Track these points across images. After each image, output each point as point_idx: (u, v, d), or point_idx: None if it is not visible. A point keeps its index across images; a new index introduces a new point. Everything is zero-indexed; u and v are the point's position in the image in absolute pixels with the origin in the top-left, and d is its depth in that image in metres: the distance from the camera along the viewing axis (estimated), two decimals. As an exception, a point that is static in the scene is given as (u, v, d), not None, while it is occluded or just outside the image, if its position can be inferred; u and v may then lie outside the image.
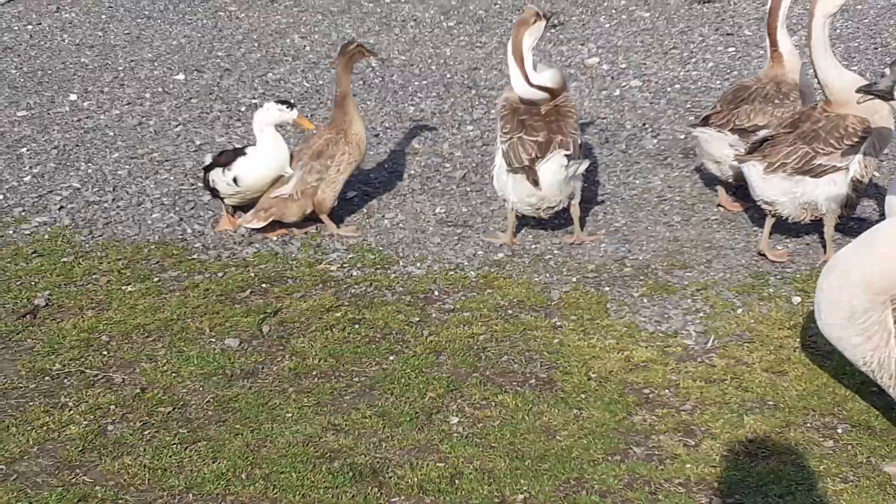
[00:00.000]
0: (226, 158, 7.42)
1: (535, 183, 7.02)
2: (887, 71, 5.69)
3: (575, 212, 7.29)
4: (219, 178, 7.41)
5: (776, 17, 7.39)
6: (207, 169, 7.48)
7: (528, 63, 7.21)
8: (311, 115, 9.22)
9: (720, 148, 7.44)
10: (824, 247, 6.96)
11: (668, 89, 9.44)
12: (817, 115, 6.86)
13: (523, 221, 7.46)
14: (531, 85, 7.20)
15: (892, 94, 5.63)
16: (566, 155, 7.00)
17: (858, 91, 5.90)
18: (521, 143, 7.07)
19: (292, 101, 7.73)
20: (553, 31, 10.84)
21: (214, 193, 7.51)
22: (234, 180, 7.36)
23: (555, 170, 7.04)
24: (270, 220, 7.43)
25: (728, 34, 10.52)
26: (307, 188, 7.40)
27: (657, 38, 10.52)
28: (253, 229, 7.43)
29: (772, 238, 7.11)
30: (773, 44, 7.49)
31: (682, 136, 8.70)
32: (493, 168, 7.31)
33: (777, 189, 6.87)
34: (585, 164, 7.21)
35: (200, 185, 8.08)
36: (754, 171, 6.90)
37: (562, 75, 7.41)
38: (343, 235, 7.49)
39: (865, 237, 5.15)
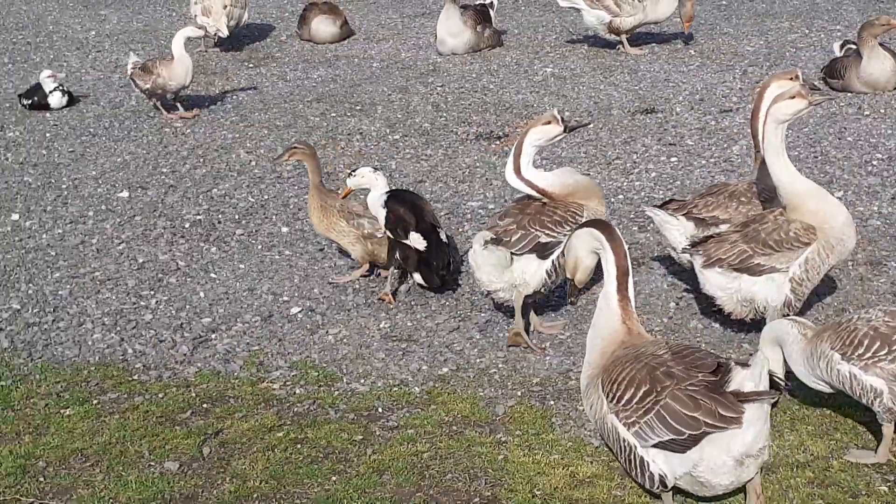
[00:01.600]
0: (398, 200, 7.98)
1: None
2: None
3: (517, 299, 7.36)
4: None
5: (757, 120, 7.36)
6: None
7: (526, 157, 7.30)
8: (256, 231, 9.19)
9: (672, 233, 7.51)
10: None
11: (612, 199, 9.50)
12: (769, 218, 6.98)
13: (468, 330, 7.46)
14: (517, 176, 7.31)
15: None
16: (487, 239, 7.11)
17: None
18: (491, 225, 7.40)
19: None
20: (497, 142, 10.93)
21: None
22: None
23: (475, 248, 7.22)
24: None
25: (671, 144, 10.63)
26: None
27: (600, 149, 10.63)
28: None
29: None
30: (757, 146, 7.49)
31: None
32: None
33: (714, 284, 7.00)
34: (505, 254, 7.17)
35: (143, 303, 8.01)
36: (696, 264, 7.08)
37: (571, 186, 7.36)
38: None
39: None
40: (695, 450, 5.10)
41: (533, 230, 7.24)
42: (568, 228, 7.20)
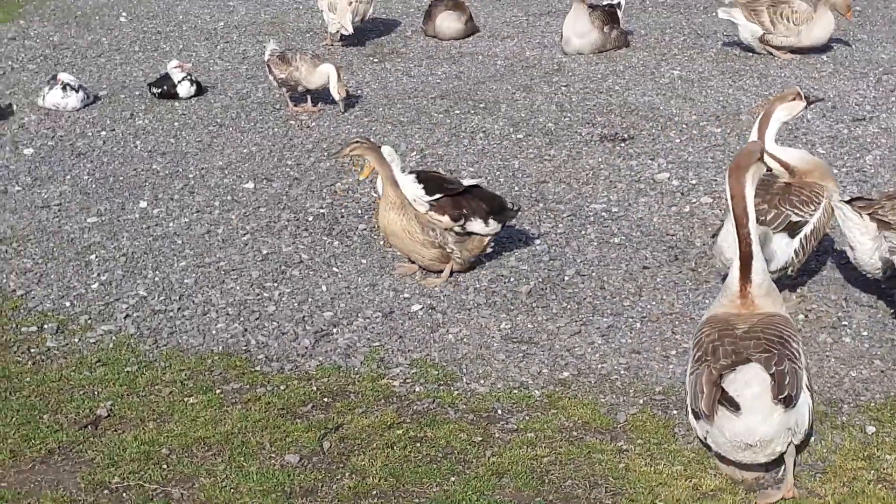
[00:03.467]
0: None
1: (713, 236, 7.61)
2: None
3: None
4: None
5: None
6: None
7: (770, 132, 7.66)
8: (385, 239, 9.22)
9: (853, 231, 7.44)
10: (900, 374, 6.81)
11: (739, 206, 9.32)
12: None
13: (589, 335, 7.40)
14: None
15: None
16: None
17: None
18: None
19: None
20: (622, 145, 10.81)
21: None
22: None
23: (729, 228, 7.20)
24: None
25: (799, 151, 10.43)
26: None
27: (728, 154, 10.43)
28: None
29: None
30: None
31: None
32: None
33: None
34: (766, 231, 7.31)
35: (267, 295, 8.09)
36: None
37: (811, 164, 7.77)
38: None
39: None
40: (701, 422, 5.70)
41: (784, 209, 7.42)
42: (813, 208, 7.48)
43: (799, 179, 7.66)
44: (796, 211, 7.47)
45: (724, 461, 5.94)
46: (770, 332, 5.75)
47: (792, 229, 7.47)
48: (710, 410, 5.56)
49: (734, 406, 5.50)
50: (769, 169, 6.65)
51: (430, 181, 8.34)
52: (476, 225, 8.22)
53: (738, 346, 5.69)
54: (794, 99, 7.75)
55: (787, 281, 7.82)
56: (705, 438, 5.82)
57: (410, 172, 8.53)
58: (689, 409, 5.86)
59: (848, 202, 7.58)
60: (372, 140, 8.68)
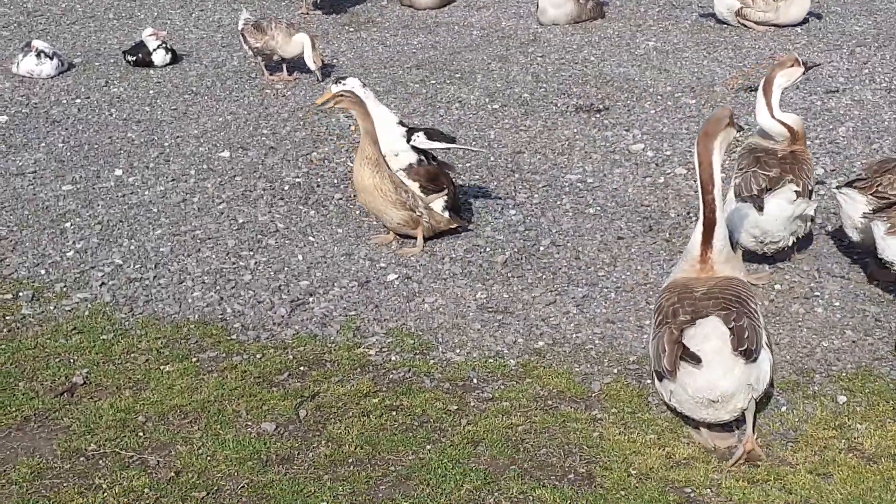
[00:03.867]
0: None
1: (760, 209, 7.37)
2: None
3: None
4: None
5: None
6: None
7: (775, 99, 7.80)
8: (355, 196, 9.21)
9: (860, 213, 7.52)
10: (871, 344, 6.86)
11: (713, 178, 9.37)
12: None
13: (564, 304, 7.43)
14: (773, 117, 7.75)
15: None
16: (795, 191, 7.39)
17: None
18: (755, 175, 7.49)
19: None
20: (598, 116, 10.84)
21: None
22: None
23: (781, 203, 7.42)
24: None
25: (774, 123, 10.47)
26: None
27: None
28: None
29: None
30: None
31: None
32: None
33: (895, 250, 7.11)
34: (814, 205, 7.64)
35: (242, 263, 8.09)
36: (877, 230, 7.14)
37: (803, 126, 7.92)
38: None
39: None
40: (665, 381, 5.79)
41: (804, 179, 7.52)
42: (811, 174, 7.64)
43: (794, 146, 7.76)
44: (809, 179, 7.61)
45: (696, 429, 6.01)
46: (728, 293, 5.87)
47: (809, 197, 7.62)
48: (673, 366, 5.64)
49: (695, 360, 5.59)
50: (740, 129, 6.68)
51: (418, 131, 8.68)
52: (437, 203, 8.35)
53: (698, 307, 5.80)
54: (792, 65, 7.88)
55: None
56: (670, 400, 5.91)
57: (402, 125, 8.73)
58: (653, 373, 5.97)
59: (846, 186, 7.68)
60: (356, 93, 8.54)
